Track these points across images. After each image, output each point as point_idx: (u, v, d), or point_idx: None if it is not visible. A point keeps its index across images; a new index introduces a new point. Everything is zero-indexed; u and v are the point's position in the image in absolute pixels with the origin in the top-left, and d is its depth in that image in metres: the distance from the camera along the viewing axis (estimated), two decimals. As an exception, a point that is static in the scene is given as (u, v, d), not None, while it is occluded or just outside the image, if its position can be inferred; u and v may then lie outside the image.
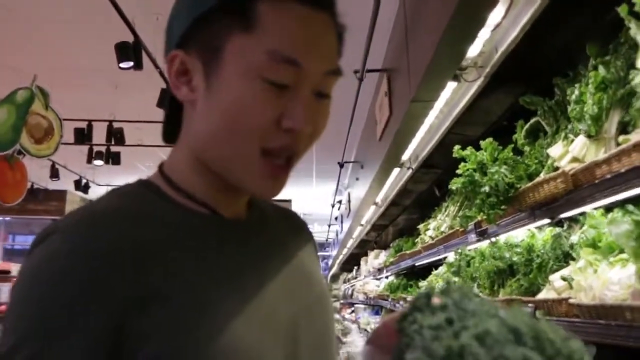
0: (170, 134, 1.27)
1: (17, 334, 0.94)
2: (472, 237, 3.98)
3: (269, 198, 1.19)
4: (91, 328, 0.94)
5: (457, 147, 3.40)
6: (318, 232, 25.99)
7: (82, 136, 10.66)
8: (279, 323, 1.14)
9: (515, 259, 3.44)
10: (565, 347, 0.78)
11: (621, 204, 2.33)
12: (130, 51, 6.49)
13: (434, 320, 0.84)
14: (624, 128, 2.32)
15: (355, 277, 15.03)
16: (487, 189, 3.14)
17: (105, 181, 15.43)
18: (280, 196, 1.44)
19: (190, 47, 1.12)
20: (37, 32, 7.67)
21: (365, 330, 10.59)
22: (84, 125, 10.51)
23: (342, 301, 17.71)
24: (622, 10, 1.94)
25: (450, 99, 3.80)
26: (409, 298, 6.61)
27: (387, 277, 9.36)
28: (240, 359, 1.03)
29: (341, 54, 1.18)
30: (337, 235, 20.32)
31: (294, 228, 1.44)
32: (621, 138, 2.26)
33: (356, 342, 10.11)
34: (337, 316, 16.40)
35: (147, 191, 1.17)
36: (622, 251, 2.22)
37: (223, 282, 1.09)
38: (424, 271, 6.90)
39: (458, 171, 3.35)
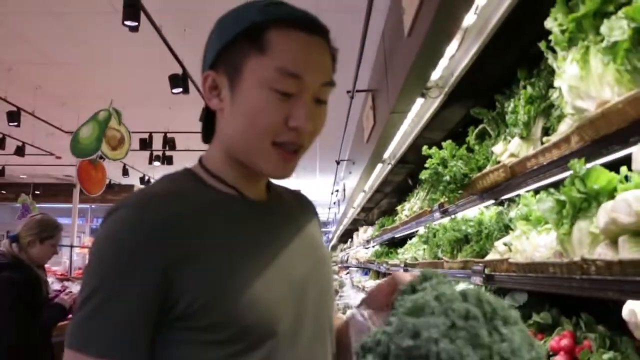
0: (208, 137, 1.27)
1: (96, 281, 0.97)
2: (437, 214, 3.99)
3: (281, 178, 1.18)
4: (146, 278, 0.97)
5: (425, 147, 3.40)
6: (321, 213, 25.96)
7: (145, 144, 10.69)
8: (291, 281, 1.13)
9: (469, 230, 3.44)
10: (499, 307, 0.81)
11: (545, 187, 2.35)
12: (180, 80, 6.51)
13: (413, 296, 0.88)
14: (546, 131, 2.34)
15: (350, 247, 15.00)
16: (447, 178, 3.15)
17: (162, 178, 15.44)
18: (290, 187, 1.45)
19: (219, 67, 1.13)
20: (113, 68, 7.70)
21: (357, 286, 10.54)
22: (146, 136, 10.55)
23: (339, 265, 17.65)
24: (542, 45, 1.95)
25: (419, 111, 3.80)
26: (390, 262, 6.61)
27: (373, 247, 9.33)
28: (261, 310, 1.03)
29: (335, 70, 1.19)
30: (335, 215, 20.27)
31: (303, 206, 1.43)
32: (544, 139, 2.27)
33: (350, 295, 10.07)
34: (335, 276, 16.38)
35: (189, 177, 1.19)
36: (547, 222, 2.24)
37: (248, 247, 1.09)
38: (402, 241, 6.90)
39: (426, 165, 3.35)
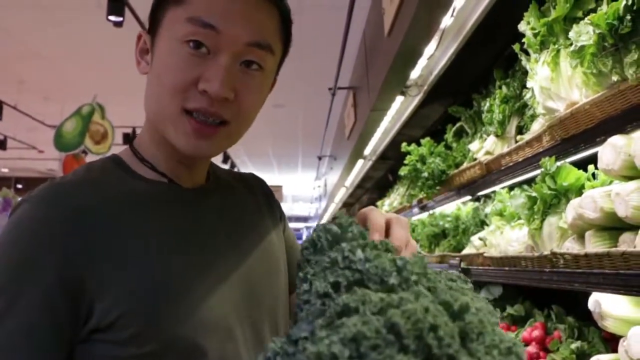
0: None
1: None
2: (416, 210, 4.05)
3: (197, 155, 0.97)
4: (50, 282, 0.82)
5: (404, 144, 3.44)
6: (302, 208, 25.95)
7: (128, 138, 10.65)
8: (226, 278, 0.97)
9: (446, 225, 3.49)
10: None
11: (520, 184, 2.41)
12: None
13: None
14: (520, 130, 2.40)
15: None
16: (426, 174, 3.21)
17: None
18: (272, 182, 1.35)
19: (150, 28, 0.98)
20: (96, 62, 7.68)
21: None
22: (129, 130, 10.49)
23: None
24: (516, 47, 2.01)
25: (398, 109, 3.85)
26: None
27: (354, 241, 9.35)
28: (188, 319, 0.88)
29: (284, 40, 1.01)
30: (317, 210, 20.33)
31: (250, 189, 1.20)
32: (518, 137, 2.34)
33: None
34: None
35: (112, 164, 0.99)
36: (519, 218, 2.30)
37: (174, 244, 0.93)
38: (382, 235, 6.93)
39: (405, 162, 3.40)
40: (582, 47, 1.50)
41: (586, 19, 1.52)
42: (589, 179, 1.77)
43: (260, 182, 1.26)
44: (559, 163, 1.83)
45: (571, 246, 1.70)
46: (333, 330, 0.50)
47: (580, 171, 1.80)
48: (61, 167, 7.30)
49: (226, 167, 11.32)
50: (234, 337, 0.94)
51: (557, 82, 1.69)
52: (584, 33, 1.50)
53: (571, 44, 1.59)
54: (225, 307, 0.94)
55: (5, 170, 16.93)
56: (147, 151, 1.01)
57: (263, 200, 1.21)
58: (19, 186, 17.27)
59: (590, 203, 1.57)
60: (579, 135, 1.64)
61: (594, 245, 1.56)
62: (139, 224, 0.91)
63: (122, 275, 0.85)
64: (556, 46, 1.72)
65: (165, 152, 0.99)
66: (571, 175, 1.80)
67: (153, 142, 1.00)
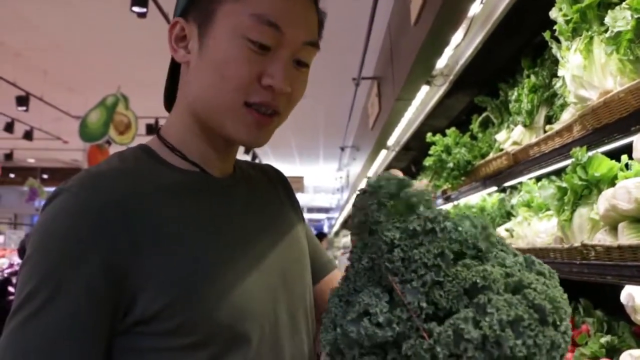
0: (171, 102, 1.10)
1: (34, 280, 0.81)
2: (440, 201, 4.01)
3: (254, 145, 1.00)
4: (93, 272, 0.82)
5: (429, 134, 3.42)
6: (324, 199, 25.94)
7: (151, 129, 10.71)
8: (266, 274, 0.99)
9: (471, 216, 3.47)
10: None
11: (547, 175, 2.37)
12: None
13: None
14: (549, 120, 2.36)
15: (353, 232, 14.96)
16: (451, 165, 3.18)
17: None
18: (293, 173, 1.34)
19: (189, 15, 0.98)
20: (120, 53, 7.73)
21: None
22: (152, 121, 10.55)
23: (342, 250, 17.68)
24: (546, 34, 1.97)
25: (423, 99, 3.82)
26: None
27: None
28: (234, 306, 0.90)
29: (321, 36, 1.05)
30: (338, 202, 20.32)
31: (270, 179, 1.23)
32: (547, 127, 2.30)
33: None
34: (336, 261, 16.35)
35: (143, 154, 1.00)
36: (548, 209, 2.26)
37: (211, 234, 0.94)
38: (404, 227, 6.90)
39: (430, 152, 3.38)
40: (619, 33, 1.46)
41: (624, 3, 1.48)
42: (622, 170, 1.73)
43: (278, 173, 1.28)
44: (590, 153, 1.79)
45: (603, 238, 1.67)
46: (478, 310, 0.61)
47: (613, 161, 1.76)
48: (85, 157, 7.36)
49: (248, 158, 11.35)
50: (273, 323, 0.96)
51: (589, 70, 1.65)
52: (621, 18, 1.45)
53: (605, 31, 1.55)
54: (263, 293, 0.96)
55: (32, 160, 17.16)
56: (177, 140, 1.02)
57: (283, 190, 1.23)
58: (45, 176, 17.52)
59: (625, 194, 1.53)
60: (612, 125, 1.60)
61: (628, 237, 1.52)
62: (174, 213, 0.92)
63: (163, 265, 0.86)
64: (589, 33, 1.68)
65: (203, 141, 1.02)
66: (603, 166, 1.76)
67: (188, 131, 1.02)
